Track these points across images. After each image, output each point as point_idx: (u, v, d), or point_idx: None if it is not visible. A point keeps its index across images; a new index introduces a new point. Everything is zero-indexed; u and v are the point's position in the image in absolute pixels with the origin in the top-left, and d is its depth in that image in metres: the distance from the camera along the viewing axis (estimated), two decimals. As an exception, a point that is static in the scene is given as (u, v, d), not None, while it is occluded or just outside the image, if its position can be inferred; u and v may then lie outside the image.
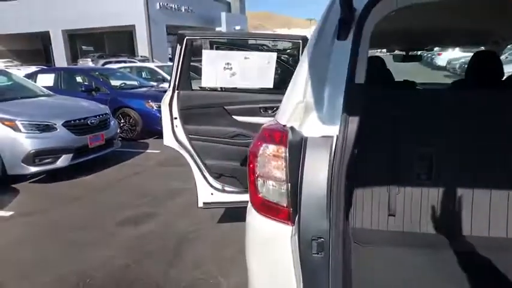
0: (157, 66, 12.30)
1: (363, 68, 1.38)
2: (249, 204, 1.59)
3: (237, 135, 3.32)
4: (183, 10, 27.40)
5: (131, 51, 24.48)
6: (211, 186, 3.46)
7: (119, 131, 6.81)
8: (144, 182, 5.48)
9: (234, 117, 3.35)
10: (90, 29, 24.94)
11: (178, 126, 3.29)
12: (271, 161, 1.44)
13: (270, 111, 3.40)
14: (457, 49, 24.63)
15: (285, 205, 1.41)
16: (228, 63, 3.18)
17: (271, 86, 3.33)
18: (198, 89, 3.53)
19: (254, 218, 1.52)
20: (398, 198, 2.18)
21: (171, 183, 5.28)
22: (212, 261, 3.25)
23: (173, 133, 3.31)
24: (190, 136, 3.31)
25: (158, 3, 25.26)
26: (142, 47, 24.76)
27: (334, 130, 1.35)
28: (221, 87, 3.45)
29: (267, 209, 1.47)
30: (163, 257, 3.35)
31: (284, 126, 1.46)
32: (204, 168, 3.40)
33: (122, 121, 7.95)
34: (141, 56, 21.87)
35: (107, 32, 25.91)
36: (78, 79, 8.97)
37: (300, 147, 1.35)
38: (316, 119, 1.39)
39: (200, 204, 3.51)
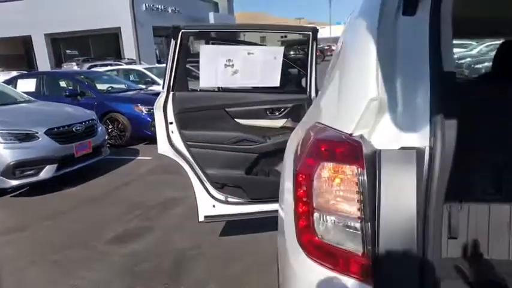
0: (146, 68, 11.85)
1: (449, 52, 1.00)
2: (289, 237, 1.19)
3: (241, 140, 2.96)
4: (170, 11, 26.90)
5: (117, 54, 23.92)
6: (213, 197, 3.09)
7: (107, 137, 6.39)
8: (136, 193, 5.07)
9: (237, 120, 2.99)
10: (74, 33, 24.30)
11: (175, 132, 2.92)
12: (336, 187, 1.05)
13: (277, 113, 3.05)
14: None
15: (360, 253, 1.03)
16: (229, 60, 2.82)
17: (278, 84, 2.98)
18: (196, 90, 3.16)
19: (302, 264, 1.11)
20: (461, 216, 1.82)
21: (164, 192, 4.89)
22: (215, 283, 2.88)
23: (168, 140, 2.93)
24: (188, 143, 2.95)
25: (144, 5, 24.74)
26: (128, 50, 24.21)
27: (415, 139, 0.98)
28: (221, 87, 3.09)
29: (327, 256, 1.07)
30: (159, 279, 2.97)
31: (351, 135, 1.07)
32: (204, 178, 3.03)
33: (110, 127, 7.52)
34: (128, 59, 21.33)
35: (91, 35, 25.28)
36: (62, 83, 8.50)
37: (374, 165, 0.98)
38: (391, 124, 1.01)
39: (201, 218, 3.14)
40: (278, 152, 3.07)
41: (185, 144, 2.94)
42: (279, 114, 3.03)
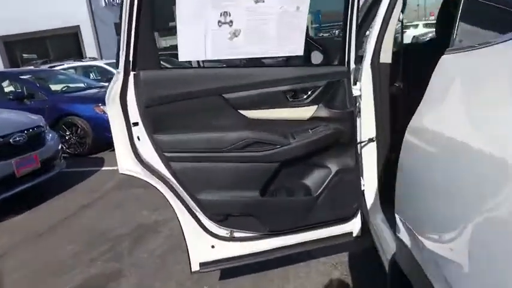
0: (108, 64, 10.50)
1: None
2: None
3: (250, 144, 1.88)
4: (133, 5, 25.17)
5: (79, 54, 22.16)
6: (212, 234, 2.01)
7: (61, 146, 5.13)
8: (100, 218, 3.89)
9: (242, 112, 1.89)
10: (29, 34, 22.31)
11: (143, 138, 1.81)
12: None
13: (303, 97, 1.97)
14: (420, 24, 23.98)
15: None
16: (225, 14, 1.72)
17: (301, 52, 1.90)
18: (174, 67, 2.01)
19: None
20: None
21: (137, 214, 3.74)
22: None
23: (133, 151, 1.82)
24: (166, 154, 1.84)
25: (103, 0, 23.01)
26: (90, 49, 22.48)
27: None
28: (214, 61, 1.98)
29: None
30: None
31: None
32: (196, 208, 1.93)
33: (67, 133, 6.27)
34: (89, 58, 19.74)
35: (49, 36, 23.33)
36: (5, 84, 7.11)
37: None
38: None
39: (195, 267, 2.05)
40: (307, 158, 1.99)
41: (161, 157, 1.83)
42: (306, 98, 1.96)
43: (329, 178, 2.04)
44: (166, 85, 1.77)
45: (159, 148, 1.80)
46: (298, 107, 1.95)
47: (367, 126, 2.09)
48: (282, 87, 1.88)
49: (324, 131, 1.94)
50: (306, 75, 1.92)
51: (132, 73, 1.73)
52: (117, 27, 1.74)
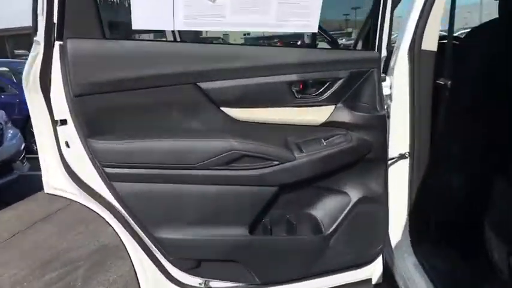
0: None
1: None
2: None
3: (237, 158, 1.27)
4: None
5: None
6: (178, 284, 1.40)
7: (25, 146, 4.48)
8: (58, 234, 3.25)
9: (227, 110, 1.29)
10: (19, 29, 21.54)
11: (74, 144, 1.21)
12: None
13: (315, 92, 1.37)
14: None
15: None
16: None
17: (315, 28, 1.31)
18: (123, 37, 1.41)
19: None
20: None
21: (101, 233, 3.11)
22: None
23: (63, 163, 1.21)
24: (107, 170, 1.23)
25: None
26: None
27: None
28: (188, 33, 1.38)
29: None
30: None
31: None
32: (155, 249, 1.32)
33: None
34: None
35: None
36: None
37: None
38: None
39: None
40: (318, 180, 1.41)
41: (101, 173, 1.22)
42: (320, 94, 1.36)
43: (347, 209, 1.45)
44: (111, 64, 1.16)
45: (96, 160, 1.19)
46: (308, 106, 1.35)
47: (397, 137, 1.53)
48: (285, 77, 1.29)
49: (344, 142, 1.36)
50: (323, 60, 1.32)
51: (57, 43, 1.12)
52: None
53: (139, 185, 1.23)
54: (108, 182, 1.20)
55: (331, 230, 1.45)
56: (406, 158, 1.57)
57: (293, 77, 1.29)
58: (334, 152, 1.34)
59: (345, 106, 1.38)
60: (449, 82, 1.53)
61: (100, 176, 1.21)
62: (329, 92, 1.35)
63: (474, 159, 1.61)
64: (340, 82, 1.34)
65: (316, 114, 1.36)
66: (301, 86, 1.32)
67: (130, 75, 1.17)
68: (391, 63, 1.50)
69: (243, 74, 1.25)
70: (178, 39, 1.60)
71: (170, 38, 1.63)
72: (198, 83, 1.23)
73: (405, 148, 1.57)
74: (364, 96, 1.38)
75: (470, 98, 1.58)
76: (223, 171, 1.24)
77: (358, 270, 1.62)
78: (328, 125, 1.37)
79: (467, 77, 1.57)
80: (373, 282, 1.70)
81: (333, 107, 1.37)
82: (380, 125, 1.38)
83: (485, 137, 1.57)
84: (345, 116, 1.37)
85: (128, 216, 1.26)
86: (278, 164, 1.27)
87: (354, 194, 1.45)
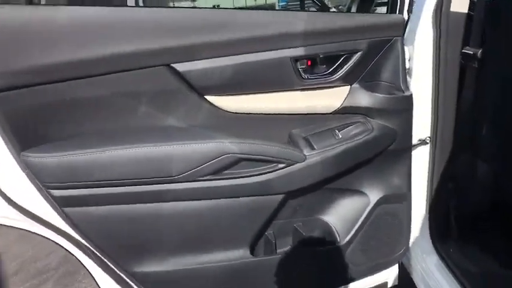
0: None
1: None
2: None
3: (233, 163, 0.96)
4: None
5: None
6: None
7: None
8: (22, 241, 2.91)
9: (213, 99, 0.98)
10: None
11: (4, 162, 0.87)
12: None
13: (324, 69, 1.06)
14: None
15: None
16: None
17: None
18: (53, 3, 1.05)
19: None
20: None
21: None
22: None
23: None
24: (52, 192, 0.90)
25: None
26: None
27: None
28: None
29: None
30: None
31: None
32: (131, 284, 1.02)
33: None
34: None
35: None
36: None
37: None
38: None
39: None
40: (332, 180, 1.13)
41: (45, 196, 0.90)
42: (331, 72, 1.06)
43: (366, 212, 1.19)
44: (41, 42, 0.82)
45: (35, 179, 0.87)
46: (318, 89, 1.05)
47: (417, 119, 1.26)
48: (291, 50, 0.98)
49: (363, 132, 1.08)
50: (336, 27, 1.02)
51: None
52: None
53: (101, 209, 0.91)
54: (58, 208, 0.89)
55: (347, 238, 1.18)
56: (427, 143, 1.32)
57: (299, 51, 0.98)
58: (353, 146, 1.06)
59: (363, 87, 1.09)
60: (480, 51, 1.26)
61: (44, 197, 0.89)
62: (344, 70, 1.05)
63: (508, 143, 1.37)
64: (356, 56, 1.04)
65: (328, 99, 1.07)
66: (309, 63, 1.02)
67: (69, 58, 0.83)
68: (411, 29, 1.21)
69: (232, 49, 0.94)
70: (140, 3, 1.24)
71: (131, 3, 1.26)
72: (172, 64, 0.91)
73: (426, 133, 1.31)
74: (386, 72, 1.10)
75: (505, 70, 1.32)
76: (215, 181, 0.94)
77: (375, 276, 1.39)
78: (343, 111, 1.09)
79: (502, 44, 1.30)
80: (389, 285, 1.48)
81: (348, 88, 1.08)
82: (406, 108, 1.11)
83: None
84: (363, 99, 1.09)
85: (92, 248, 0.95)
86: (285, 167, 0.98)
87: (374, 194, 1.19)
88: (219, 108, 0.97)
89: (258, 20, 0.95)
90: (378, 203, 1.19)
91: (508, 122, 1.35)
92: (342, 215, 1.19)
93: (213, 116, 0.97)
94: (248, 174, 0.96)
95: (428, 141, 1.31)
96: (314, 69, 1.05)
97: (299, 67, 1.00)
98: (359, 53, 1.04)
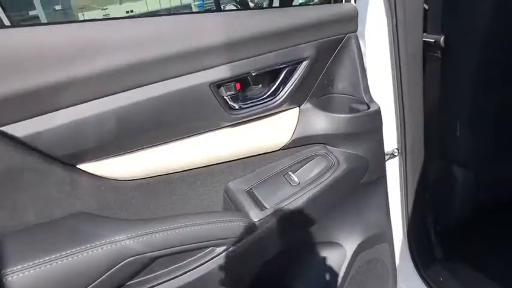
0: None
1: None
2: None
3: (146, 264, 0.60)
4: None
5: None
6: None
7: None
8: None
9: (87, 167, 0.61)
10: None
11: None
12: None
13: (261, 90, 0.74)
14: None
15: None
16: None
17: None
18: None
19: None
20: None
21: None
22: None
23: None
24: None
25: None
26: None
27: None
28: None
29: None
30: None
31: None
32: None
33: None
34: None
35: None
36: None
37: None
38: None
39: None
40: (292, 244, 0.80)
41: None
42: (271, 94, 0.74)
43: (344, 267, 0.89)
44: None
45: None
46: (256, 119, 0.73)
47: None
48: (210, 71, 0.64)
49: (326, 168, 0.78)
50: (270, 29, 0.69)
51: None
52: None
53: None
54: None
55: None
56: (396, 156, 1.06)
57: (219, 73, 0.65)
58: (316, 192, 0.75)
59: (315, 105, 0.79)
60: (442, 38, 1.02)
61: None
62: (288, 88, 0.73)
63: (486, 141, 1.16)
64: (303, 67, 0.73)
65: (273, 131, 0.75)
66: (237, 87, 0.68)
67: None
68: (358, 21, 0.93)
69: (113, 85, 0.58)
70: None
71: None
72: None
73: (392, 144, 1.05)
74: (342, 82, 0.81)
75: (475, 58, 1.09)
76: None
77: None
78: (295, 143, 0.78)
79: (468, 28, 1.07)
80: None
81: (296, 110, 0.77)
82: (375, 127, 0.83)
83: (499, 108, 1.10)
84: (318, 123, 0.78)
85: None
86: (227, 250, 0.65)
87: (350, 242, 0.89)
88: (102, 178, 0.61)
89: (141, 32, 0.59)
90: (357, 252, 0.90)
91: (481, 117, 1.14)
92: (315, 280, 0.88)
93: (97, 195, 0.60)
94: (172, 276, 0.61)
95: (396, 153, 1.05)
96: (247, 94, 0.72)
97: (224, 95, 0.67)
98: (305, 62, 0.73)
